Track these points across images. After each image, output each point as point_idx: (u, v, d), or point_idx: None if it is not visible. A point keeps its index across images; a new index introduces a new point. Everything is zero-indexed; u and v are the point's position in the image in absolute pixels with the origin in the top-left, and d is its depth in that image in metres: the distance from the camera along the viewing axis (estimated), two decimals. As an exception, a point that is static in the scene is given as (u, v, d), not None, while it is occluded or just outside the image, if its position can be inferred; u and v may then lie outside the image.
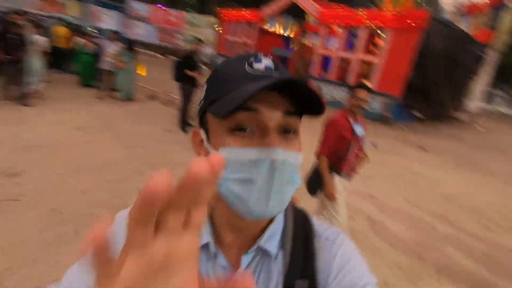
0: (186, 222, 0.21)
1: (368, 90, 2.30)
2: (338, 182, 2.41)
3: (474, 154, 7.63)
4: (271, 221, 0.50)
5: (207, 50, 15.17)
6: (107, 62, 6.80)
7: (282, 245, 0.49)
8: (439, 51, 9.29)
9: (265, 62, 0.43)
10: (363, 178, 4.37)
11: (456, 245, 3.16)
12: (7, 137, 3.99)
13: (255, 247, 0.47)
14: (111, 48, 6.77)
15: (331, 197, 2.36)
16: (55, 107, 5.67)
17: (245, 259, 0.47)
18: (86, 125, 5.06)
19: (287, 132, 0.43)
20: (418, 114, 10.03)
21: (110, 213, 0.24)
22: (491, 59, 13.14)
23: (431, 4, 13.84)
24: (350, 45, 10.90)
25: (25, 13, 7.39)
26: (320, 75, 11.61)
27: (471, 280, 2.62)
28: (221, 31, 16.60)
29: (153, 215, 0.19)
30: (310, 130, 2.78)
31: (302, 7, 12.17)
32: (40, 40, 5.79)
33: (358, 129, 2.36)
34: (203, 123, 0.46)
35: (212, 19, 18.19)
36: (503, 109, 25.81)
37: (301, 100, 0.41)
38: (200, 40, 5.62)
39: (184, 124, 5.52)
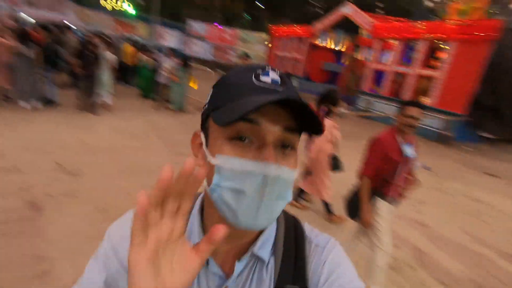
0: (178, 208, 0.32)
1: (421, 107, 2.07)
2: (383, 207, 2.18)
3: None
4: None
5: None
6: (163, 76, 7.45)
7: (273, 251, 0.49)
8: (513, 64, 8.15)
9: (272, 76, 0.43)
10: (413, 203, 3.96)
11: (528, 292, 2.64)
12: (74, 141, 4.56)
13: (249, 254, 0.48)
14: (167, 64, 7.40)
15: (366, 225, 2.16)
16: (117, 115, 6.35)
17: (238, 266, 0.47)
18: (141, 132, 5.54)
19: (284, 147, 0.43)
20: (486, 134, 8.81)
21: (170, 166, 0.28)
22: None
23: (505, 14, 12.37)
24: (406, 59, 10.24)
25: (102, 34, 8.54)
26: (372, 89, 11.07)
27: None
28: (270, 46, 17.00)
29: (162, 199, 0.30)
30: (356, 147, 2.63)
31: (354, 21, 11.88)
32: (110, 57, 6.61)
33: (408, 150, 2.11)
34: (204, 127, 0.47)
35: (263, 35, 18.83)
36: None
37: (302, 117, 0.42)
38: (247, 55, 5.83)
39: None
